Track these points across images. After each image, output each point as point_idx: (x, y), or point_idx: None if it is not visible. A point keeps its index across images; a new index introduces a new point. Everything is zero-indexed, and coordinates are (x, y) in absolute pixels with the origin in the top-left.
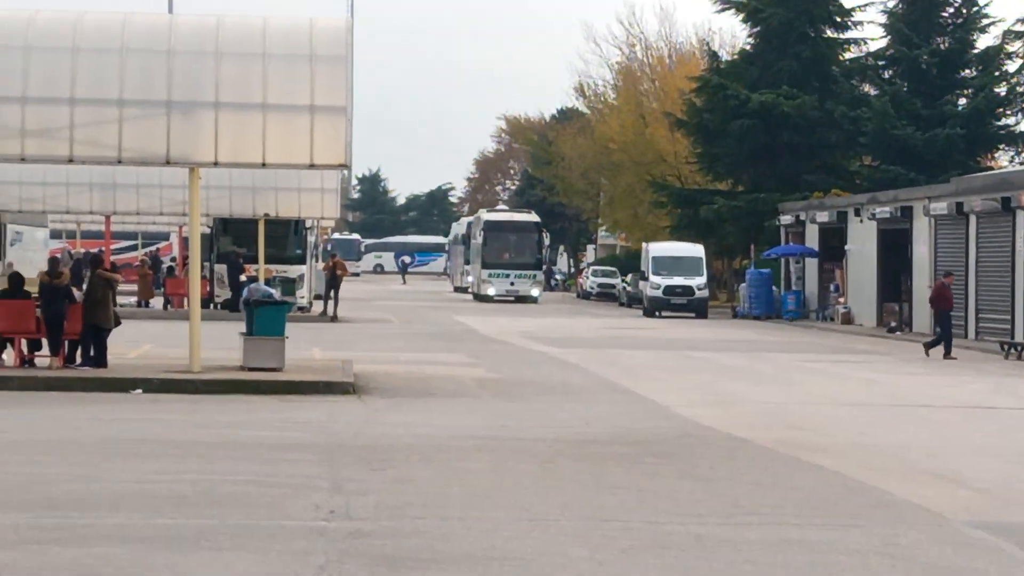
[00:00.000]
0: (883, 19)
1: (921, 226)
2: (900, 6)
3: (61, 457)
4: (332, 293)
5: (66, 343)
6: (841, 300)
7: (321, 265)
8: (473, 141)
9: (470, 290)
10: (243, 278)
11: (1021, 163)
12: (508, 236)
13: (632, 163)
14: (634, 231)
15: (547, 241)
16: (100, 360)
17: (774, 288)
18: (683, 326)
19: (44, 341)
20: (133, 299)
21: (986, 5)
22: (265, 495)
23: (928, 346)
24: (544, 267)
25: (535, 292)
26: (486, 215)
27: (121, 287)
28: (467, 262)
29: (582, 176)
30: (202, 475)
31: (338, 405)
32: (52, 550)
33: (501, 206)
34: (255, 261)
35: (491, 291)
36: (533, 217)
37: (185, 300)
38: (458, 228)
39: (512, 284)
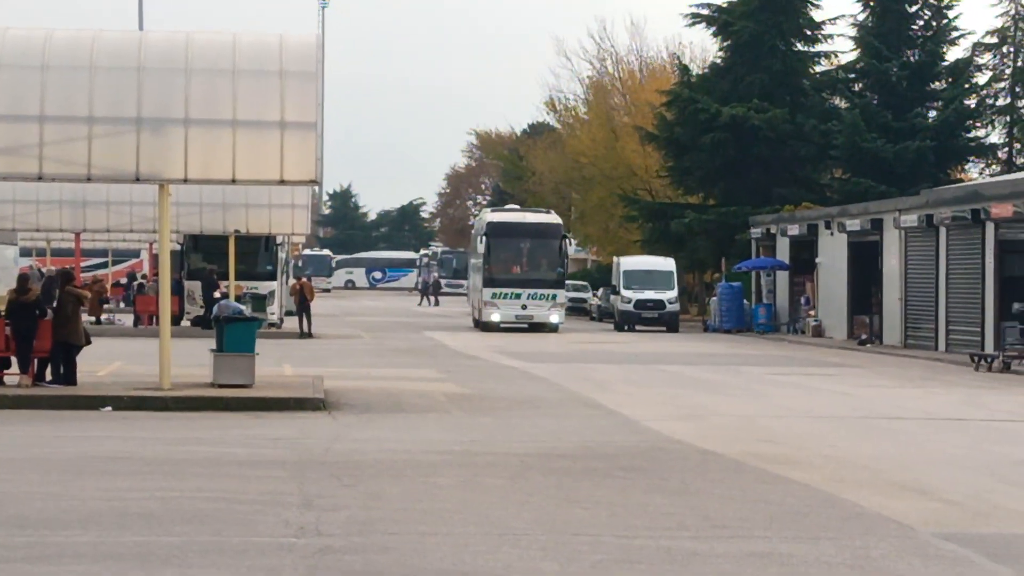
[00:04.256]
0: (853, 32)
1: (891, 238)
2: (870, 19)
3: (31, 475)
4: (304, 314)
5: (35, 361)
6: (812, 313)
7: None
8: (444, 156)
9: (472, 315)
10: (217, 294)
11: (991, 175)
12: (519, 243)
13: (603, 177)
14: (605, 245)
15: (571, 250)
16: (70, 378)
17: (745, 301)
18: (654, 340)
19: (13, 359)
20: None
21: (956, 18)
22: (235, 512)
23: None
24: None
25: (555, 318)
26: (490, 215)
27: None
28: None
29: (553, 191)
30: (172, 492)
31: (308, 421)
32: (22, 568)
33: (511, 205)
34: (226, 277)
35: (496, 316)
36: (553, 218)
37: (155, 317)
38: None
39: (524, 308)
